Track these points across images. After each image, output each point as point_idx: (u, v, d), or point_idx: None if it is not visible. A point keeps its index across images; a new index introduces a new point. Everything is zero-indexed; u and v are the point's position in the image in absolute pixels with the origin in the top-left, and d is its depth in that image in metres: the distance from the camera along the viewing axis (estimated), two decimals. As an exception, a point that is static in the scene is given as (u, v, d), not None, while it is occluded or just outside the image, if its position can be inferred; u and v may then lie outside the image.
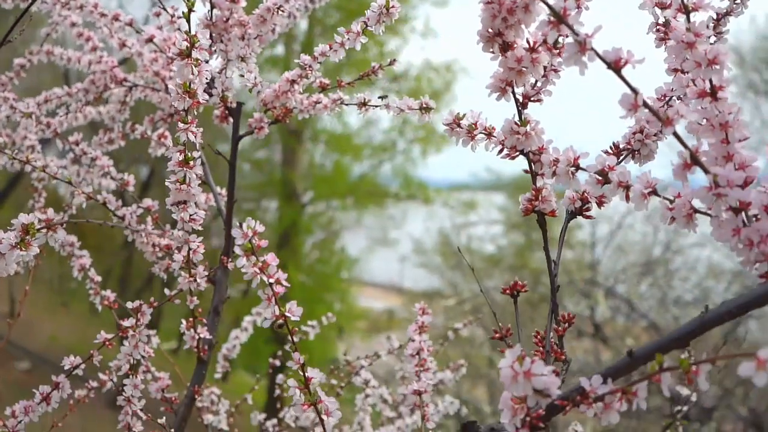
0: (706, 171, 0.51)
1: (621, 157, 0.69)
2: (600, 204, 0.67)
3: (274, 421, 1.35)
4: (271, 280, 0.62)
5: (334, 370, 1.35)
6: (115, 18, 1.11)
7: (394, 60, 1.00)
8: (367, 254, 12.17)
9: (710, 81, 0.54)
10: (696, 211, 0.54)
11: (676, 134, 0.51)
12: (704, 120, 0.55)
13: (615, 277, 6.20)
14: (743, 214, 0.52)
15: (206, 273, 0.92)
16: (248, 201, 11.55)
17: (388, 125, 11.95)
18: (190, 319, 0.97)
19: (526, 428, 0.54)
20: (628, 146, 0.69)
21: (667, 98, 0.69)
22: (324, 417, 0.65)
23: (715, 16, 0.74)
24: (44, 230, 0.66)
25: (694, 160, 0.52)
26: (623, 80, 0.51)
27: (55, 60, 1.27)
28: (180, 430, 0.95)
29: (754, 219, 0.52)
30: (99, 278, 1.10)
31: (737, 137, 0.53)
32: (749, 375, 0.40)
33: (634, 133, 0.69)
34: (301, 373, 0.65)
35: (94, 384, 1.13)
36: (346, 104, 0.97)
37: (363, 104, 0.95)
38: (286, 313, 0.63)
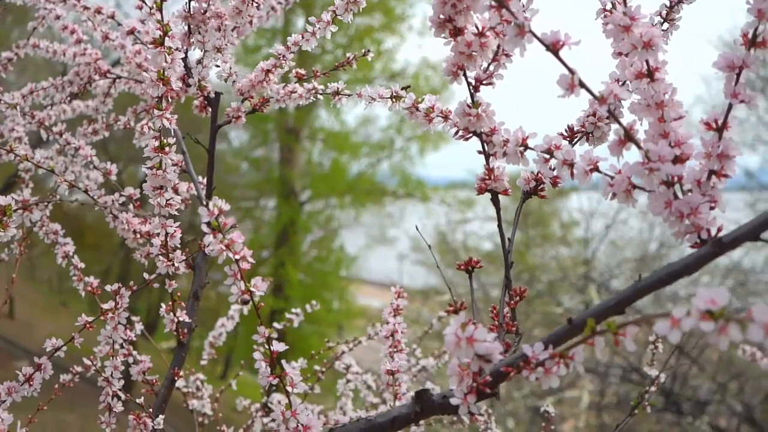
0: (639, 147, 0.54)
1: (575, 139, 0.71)
2: (554, 184, 0.70)
3: (257, 405, 1.38)
4: (237, 257, 0.65)
5: (315, 356, 1.38)
6: (98, 11, 1.14)
7: (368, 51, 1.03)
8: (365, 252, 12.20)
9: (647, 62, 0.56)
10: (635, 186, 0.57)
11: (610, 112, 0.54)
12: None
13: (610, 272, 6.23)
14: (676, 187, 0.55)
15: (184, 257, 0.94)
16: (247, 200, 11.58)
17: (386, 123, 11.98)
18: (170, 303, 1.00)
19: (473, 394, 0.57)
20: (582, 129, 0.71)
21: (620, 82, 0.72)
22: (289, 389, 0.68)
23: (668, 3, 0.77)
24: (20, 211, 0.69)
25: (628, 136, 0.55)
26: (561, 61, 0.54)
27: (41, 53, 1.30)
28: (160, 411, 0.98)
29: (689, 193, 0.55)
30: (82, 265, 1.13)
31: (672, 116, 0.56)
32: (664, 333, 0.43)
33: (587, 116, 0.72)
34: (267, 347, 0.68)
35: (79, 369, 1.16)
36: (321, 94, 1.00)
37: (336, 93, 0.98)
38: (252, 289, 0.66)
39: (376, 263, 13.08)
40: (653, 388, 1.13)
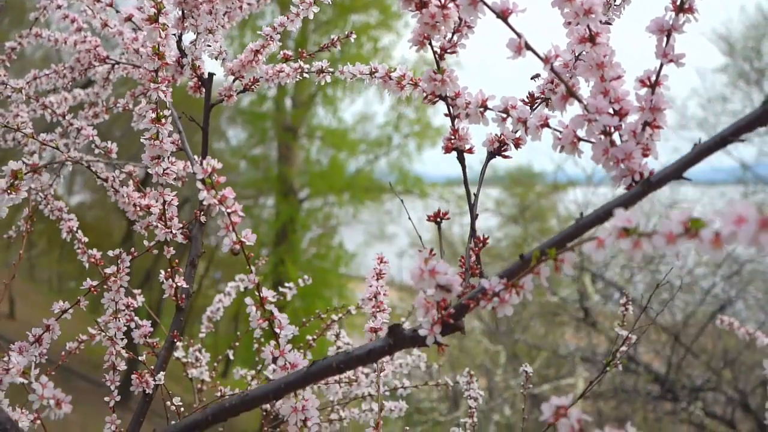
0: (579, 101, 0.61)
1: (536, 104, 0.78)
2: (517, 146, 0.77)
3: (253, 372, 1.45)
4: (229, 210, 0.72)
5: (306, 323, 1.45)
6: (96, 0, 1.21)
7: (351, 33, 1.10)
8: (364, 249, 12.26)
9: (588, 28, 0.64)
10: (579, 138, 0.64)
11: (553, 70, 0.61)
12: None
13: (604, 262, 6.31)
14: (616, 138, 0.62)
15: (181, 225, 1.02)
16: (246, 198, 11.65)
17: (384, 120, 12.04)
18: (168, 269, 1.07)
19: (439, 324, 0.64)
20: (542, 95, 0.79)
21: (576, 53, 0.79)
22: (277, 330, 0.75)
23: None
24: (30, 174, 0.76)
25: (570, 92, 0.62)
26: (509, 27, 0.61)
27: (43, 42, 1.37)
28: (161, 370, 1.05)
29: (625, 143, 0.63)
30: (86, 239, 1.20)
31: (611, 75, 0.63)
32: (591, 252, 0.50)
33: (546, 83, 0.79)
34: (257, 293, 0.75)
35: (84, 337, 1.23)
36: (307, 72, 1.07)
37: (321, 71, 1.05)
38: (242, 239, 0.73)
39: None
40: (624, 348, 1.20)
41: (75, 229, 1.22)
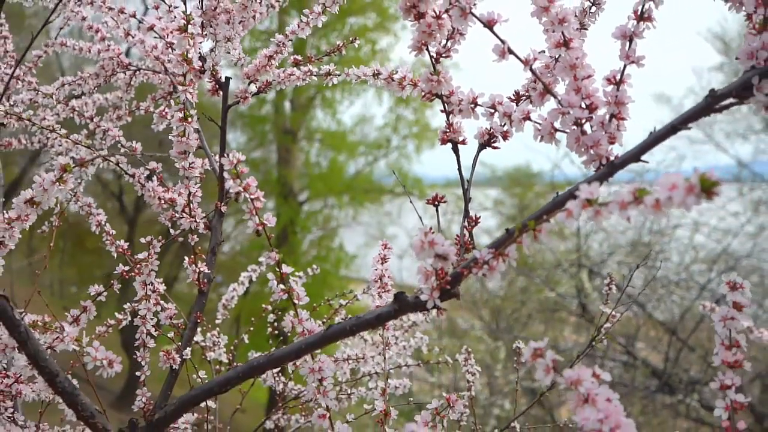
0: (555, 97, 0.72)
1: (520, 101, 0.89)
2: (504, 138, 0.87)
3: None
4: (253, 196, 0.83)
5: (316, 308, 1.55)
6: (121, 11, 1.32)
7: (355, 38, 1.21)
8: (364, 251, 12.36)
9: (563, 34, 0.74)
10: (556, 129, 0.75)
11: (532, 71, 0.72)
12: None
13: (601, 258, 6.42)
14: (584, 127, 0.73)
15: (204, 215, 1.12)
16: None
17: (382, 122, 12.15)
18: (192, 256, 1.17)
19: (437, 290, 0.75)
20: (526, 93, 0.89)
21: (554, 57, 0.90)
22: (296, 301, 0.86)
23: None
24: (78, 167, 0.86)
25: (546, 90, 0.72)
26: (495, 35, 0.71)
27: (68, 50, 1.48)
28: (187, 346, 1.16)
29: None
30: (113, 231, 1.30)
31: (582, 75, 0.74)
32: (563, 220, 0.60)
33: (529, 83, 0.89)
34: (278, 269, 0.86)
35: (112, 322, 1.34)
36: (315, 75, 1.18)
37: (328, 74, 1.16)
38: (264, 221, 0.84)
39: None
40: (608, 325, 1.31)
41: (103, 222, 1.32)
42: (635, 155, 0.68)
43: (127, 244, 1.27)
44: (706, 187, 0.48)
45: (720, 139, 8.81)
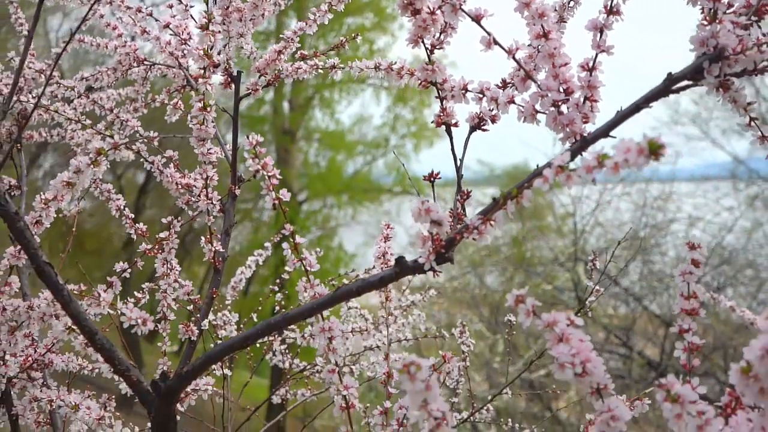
0: (535, 81, 0.82)
1: (507, 87, 0.99)
2: (493, 121, 0.97)
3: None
4: (270, 174, 0.93)
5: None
6: (138, 10, 1.41)
7: (357, 34, 1.31)
8: (363, 250, 12.45)
9: (542, 27, 0.84)
10: (536, 111, 0.85)
11: (515, 59, 0.82)
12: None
13: (598, 252, 6.53)
14: (561, 108, 0.83)
15: (220, 197, 1.22)
16: (245, 201, 11.85)
17: (380, 122, 12.24)
18: (208, 236, 1.27)
19: (433, 254, 0.85)
20: (511, 80, 0.99)
21: (535, 47, 1.00)
22: (308, 268, 0.96)
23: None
24: (113, 150, 0.96)
25: (527, 76, 0.83)
26: (482, 28, 0.81)
27: (86, 47, 1.57)
28: (204, 317, 1.26)
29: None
30: (132, 215, 1.40)
31: (560, 63, 0.84)
32: (540, 186, 0.70)
33: (514, 71, 0.99)
34: (292, 240, 0.96)
35: (131, 300, 1.43)
36: (321, 68, 1.28)
37: (333, 67, 1.26)
38: (280, 196, 0.94)
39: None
40: (593, 298, 1.41)
41: (122, 207, 1.42)
42: (604, 132, 0.78)
43: (145, 227, 1.37)
44: (654, 150, 0.58)
45: (716, 135, 8.91)
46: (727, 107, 0.80)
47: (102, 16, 1.52)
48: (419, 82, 0.94)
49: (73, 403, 1.01)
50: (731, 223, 7.68)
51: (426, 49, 0.92)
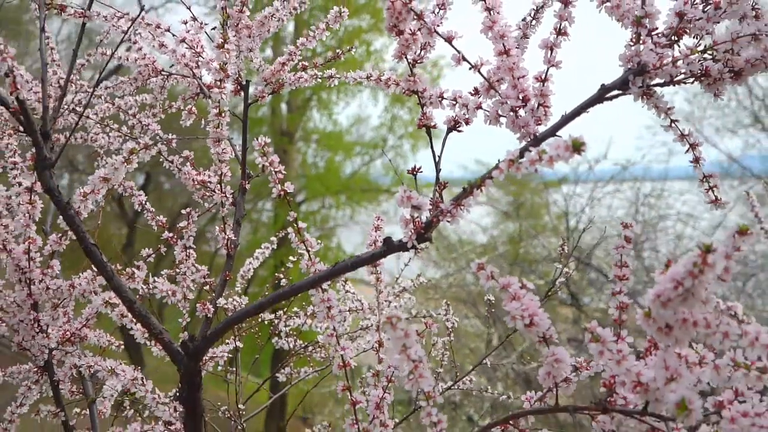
0: (496, 91, 1.00)
1: (478, 95, 1.17)
2: (466, 123, 1.15)
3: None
4: (276, 169, 1.10)
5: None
6: (157, 26, 1.59)
7: (353, 47, 1.49)
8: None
9: (503, 45, 1.02)
10: (499, 115, 1.03)
11: (480, 72, 1.00)
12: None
13: (590, 248, 6.71)
14: (519, 113, 1.01)
15: (232, 191, 1.40)
16: (245, 202, 12.01)
17: (378, 122, 12.41)
18: (222, 225, 1.45)
19: (415, 234, 1.02)
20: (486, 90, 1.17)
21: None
22: (309, 249, 1.13)
23: (535, 7, 1.22)
24: (143, 149, 1.14)
25: (490, 86, 1.00)
26: (453, 47, 0.99)
27: (107, 58, 1.75)
28: (219, 296, 1.43)
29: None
30: (153, 209, 1.58)
31: (518, 75, 1.02)
32: (497, 176, 0.88)
33: (482, 82, 1.17)
34: (296, 225, 1.13)
35: (166, 271, 1.61)
36: (320, 78, 1.45)
37: (331, 77, 1.44)
38: (285, 188, 1.11)
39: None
40: (562, 280, 1.58)
41: (144, 202, 1.60)
42: (550, 132, 0.96)
43: (164, 219, 1.54)
44: (576, 146, 0.76)
45: (709, 134, 9.09)
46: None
47: (125, 32, 1.70)
48: (404, 90, 1.12)
49: (110, 368, 1.18)
50: (721, 220, 7.86)
51: (408, 63, 1.10)
